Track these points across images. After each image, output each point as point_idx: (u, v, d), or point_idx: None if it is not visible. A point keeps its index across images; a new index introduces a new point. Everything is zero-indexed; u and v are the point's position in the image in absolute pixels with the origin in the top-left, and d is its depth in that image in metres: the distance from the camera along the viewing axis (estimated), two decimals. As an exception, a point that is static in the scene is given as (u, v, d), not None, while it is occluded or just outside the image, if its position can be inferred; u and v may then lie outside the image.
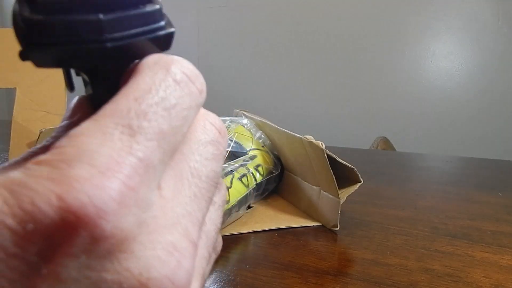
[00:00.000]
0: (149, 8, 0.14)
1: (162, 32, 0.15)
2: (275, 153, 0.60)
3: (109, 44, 0.13)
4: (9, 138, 0.66)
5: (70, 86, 0.17)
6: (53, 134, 0.16)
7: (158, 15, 0.15)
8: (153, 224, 0.12)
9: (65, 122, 0.16)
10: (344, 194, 0.48)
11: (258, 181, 0.53)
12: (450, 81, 2.03)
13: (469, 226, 0.51)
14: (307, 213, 0.53)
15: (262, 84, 2.35)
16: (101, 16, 0.13)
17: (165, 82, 0.14)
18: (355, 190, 0.49)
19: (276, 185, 0.60)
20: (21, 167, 0.11)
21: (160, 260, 0.12)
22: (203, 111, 0.16)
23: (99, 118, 0.12)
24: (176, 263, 0.12)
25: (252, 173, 0.52)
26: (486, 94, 1.96)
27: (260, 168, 0.54)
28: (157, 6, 0.15)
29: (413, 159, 0.99)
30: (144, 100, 0.13)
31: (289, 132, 0.53)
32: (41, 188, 0.11)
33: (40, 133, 0.62)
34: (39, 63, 0.14)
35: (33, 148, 0.15)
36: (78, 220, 0.10)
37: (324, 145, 0.47)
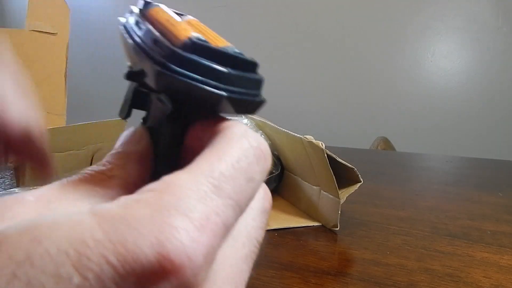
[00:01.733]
0: (258, 76, 0.17)
1: (259, 99, 0.18)
2: (275, 153, 0.60)
3: (225, 94, 0.16)
4: (9, 138, 0.66)
5: (127, 113, 0.19)
6: (105, 159, 0.17)
7: (261, 84, 0.18)
8: (214, 278, 0.14)
9: (119, 150, 0.17)
10: (344, 194, 0.48)
11: (258, 181, 0.53)
12: (450, 81, 2.03)
13: (469, 226, 0.51)
14: (307, 213, 0.53)
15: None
16: (230, 70, 0.16)
17: (250, 158, 0.15)
18: (355, 190, 0.49)
19: (276, 185, 0.60)
20: (111, 201, 0.13)
21: None
22: None
23: (194, 172, 0.14)
24: None
25: (252, 173, 0.52)
26: (486, 94, 1.96)
27: (260, 168, 0.54)
28: (263, 77, 0.18)
29: (413, 159, 0.99)
30: (234, 167, 0.14)
31: (289, 132, 0.53)
32: (145, 230, 0.11)
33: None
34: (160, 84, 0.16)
35: (88, 170, 0.16)
36: (173, 267, 0.11)
37: (324, 145, 0.47)
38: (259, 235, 0.17)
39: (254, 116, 0.65)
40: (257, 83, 0.18)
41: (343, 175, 0.49)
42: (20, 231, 0.11)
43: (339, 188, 0.47)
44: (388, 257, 0.42)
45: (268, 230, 0.49)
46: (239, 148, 0.15)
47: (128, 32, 0.17)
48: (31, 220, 0.12)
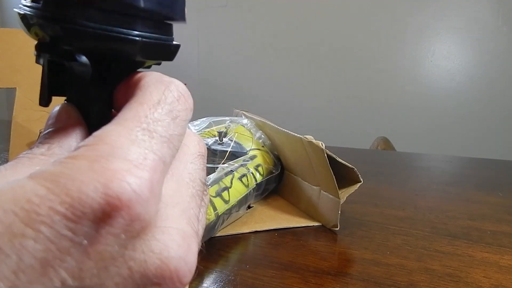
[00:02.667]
0: (168, 23, 0.18)
1: (174, 43, 0.19)
2: (275, 153, 0.60)
3: (139, 39, 0.17)
4: (9, 138, 0.66)
5: (47, 100, 0.19)
6: (40, 140, 0.17)
7: (172, 29, 0.19)
8: (165, 213, 0.15)
9: (51, 129, 0.17)
10: (344, 194, 0.48)
11: (258, 181, 0.53)
12: (450, 81, 2.03)
13: (469, 226, 0.51)
14: (307, 213, 0.53)
15: (262, 84, 2.35)
16: (139, 24, 0.17)
17: (170, 98, 0.17)
18: (355, 190, 0.49)
19: (276, 185, 0.60)
20: (53, 162, 0.13)
21: (176, 243, 0.14)
22: (190, 131, 0.19)
23: (122, 122, 0.15)
24: (187, 247, 0.15)
25: (252, 173, 0.52)
26: (486, 94, 1.96)
27: (260, 168, 0.54)
28: (172, 23, 0.18)
29: (413, 159, 0.99)
30: (157, 109, 0.16)
31: (289, 132, 0.53)
32: (86, 178, 0.12)
33: (40, 133, 0.62)
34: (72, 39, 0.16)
35: (26, 153, 0.16)
36: (121, 204, 0.12)
37: (324, 145, 0.47)
38: (201, 176, 0.19)
39: (254, 116, 0.65)
40: (168, 28, 0.18)
41: (343, 175, 0.49)
42: None
43: (339, 188, 0.47)
44: (388, 257, 0.42)
45: (268, 230, 0.49)
46: (156, 92, 0.16)
47: (28, 7, 0.17)
48: None
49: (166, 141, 0.15)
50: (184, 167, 0.18)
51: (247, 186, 0.51)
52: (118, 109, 0.17)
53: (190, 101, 0.18)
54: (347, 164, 0.48)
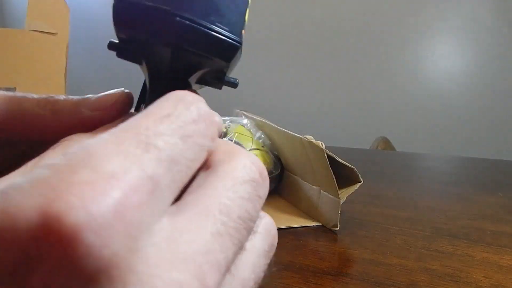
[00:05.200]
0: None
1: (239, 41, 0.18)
2: (275, 153, 0.60)
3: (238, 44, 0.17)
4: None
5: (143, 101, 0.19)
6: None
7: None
8: (156, 256, 0.10)
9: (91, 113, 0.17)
10: (344, 194, 0.48)
11: (258, 181, 0.53)
12: (450, 81, 2.03)
13: (469, 226, 0.51)
14: (307, 213, 0.53)
15: (262, 84, 2.35)
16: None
17: (184, 116, 0.13)
18: (355, 190, 0.49)
19: (276, 185, 0.60)
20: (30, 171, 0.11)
21: None
22: (244, 151, 0.15)
23: (116, 132, 0.12)
24: None
25: (252, 173, 0.52)
26: (486, 94, 1.96)
27: (260, 168, 0.54)
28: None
29: (413, 159, 0.99)
30: (163, 123, 0.13)
31: (289, 132, 0.53)
32: (34, 191, 0.09)
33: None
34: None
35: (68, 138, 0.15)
36: (61, 227, 0.09)
37: (324, 145, 0.47)
38: (245, 210, 0.14)
39: (254, 116, 0.65)
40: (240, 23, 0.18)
41: (343, 175, 0.49)
42: None
43: (339, 188, 0.47)
44: (388, 257, 0.42)
45: (268, 230, 0.49)
46: (168, 105, 0.13)
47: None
48: None
49: (167, 160, 0.12)
50: (214, 194, 0.13)
51: (247, 186, 0.51)
52: None
53: (212, 130, 0.14)
54: (347, 164, 0.48)
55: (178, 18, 0.16)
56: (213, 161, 0.14)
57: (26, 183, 0.09)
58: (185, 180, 0.13)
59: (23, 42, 0.69)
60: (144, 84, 0.20)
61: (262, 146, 0.58)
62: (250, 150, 0.56)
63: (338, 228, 0.48)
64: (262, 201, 0.15)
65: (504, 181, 0.75)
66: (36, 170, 0.10)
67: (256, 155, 0.56)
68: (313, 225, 0.50)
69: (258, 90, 2.36)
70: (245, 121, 0.62)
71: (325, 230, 0.49)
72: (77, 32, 1.73)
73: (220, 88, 0.20)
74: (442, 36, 2.02)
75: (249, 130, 0.60)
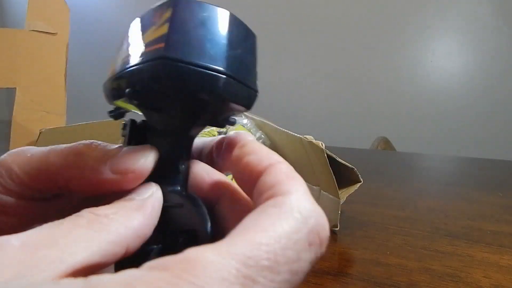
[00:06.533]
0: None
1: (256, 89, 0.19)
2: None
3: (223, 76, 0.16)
4: (9, 138, 0.66)
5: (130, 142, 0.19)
6: (106, 207, 0.15)
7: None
8: None
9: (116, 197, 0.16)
10: (344, 194, 0.48)
11: (258, 181, 0.53)
12: (450, 81, 2.02)
13: (469, 226, 0.51)
14: (307, 213, 0.53)
15: (262, 84, 2.34)
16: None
17: (302, 242, 0.12)
18: (355, 190, 0.49)
19: (276, 185, 0.60)
20: (110, 247, 0.13)
21: None
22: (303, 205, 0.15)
23: (224, 253, 0.11)
24: None
25: (252, 173, 0.52)
26: (486, 94, 1.96)
27: (260, 168, 0.54)
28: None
29: (413, 159, 0.99)
30: (277, 255, 0.12)
31: (289, 132, 0.53)
32: None
33: (40, 133, 0.62)
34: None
35: (86, 211, 0.14)
36: None
37: (324, 145, 0.47)
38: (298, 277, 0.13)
39: (254, 116, 0.65)
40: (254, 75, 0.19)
41: (343, 175, 0.49)
42: None
43: (339, 188, 0.47)
44: (388, 257, 0.42)
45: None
46: (288, 229, 0.12)
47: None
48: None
49: None
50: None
51: (247, 186, 0.51)
52: (206, 158, 0.17)
53: (325, 247, 0.14)
54: (347, 164, 0.48)
55: (224, 77, 0.16)
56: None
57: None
58: None
59: (23, 42, 0.69)
60: (133, 121, 0.19)
61: (262, 146, 0.58)
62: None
63: (338, 228, 0.48)
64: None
65: (504, 181, 0.75)
66: (149, 274, 0.11)
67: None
68: (313, 225, 0.50)
69: (258, 90, 2.35)
70: (245, 121, 0.62)
71: (325, 230, 0.49)
72: (77, 32, 1.73)
73: (223, 127, 0.20)
74: (442, 36, 2.02)
75: (249, 130, 0.60)
